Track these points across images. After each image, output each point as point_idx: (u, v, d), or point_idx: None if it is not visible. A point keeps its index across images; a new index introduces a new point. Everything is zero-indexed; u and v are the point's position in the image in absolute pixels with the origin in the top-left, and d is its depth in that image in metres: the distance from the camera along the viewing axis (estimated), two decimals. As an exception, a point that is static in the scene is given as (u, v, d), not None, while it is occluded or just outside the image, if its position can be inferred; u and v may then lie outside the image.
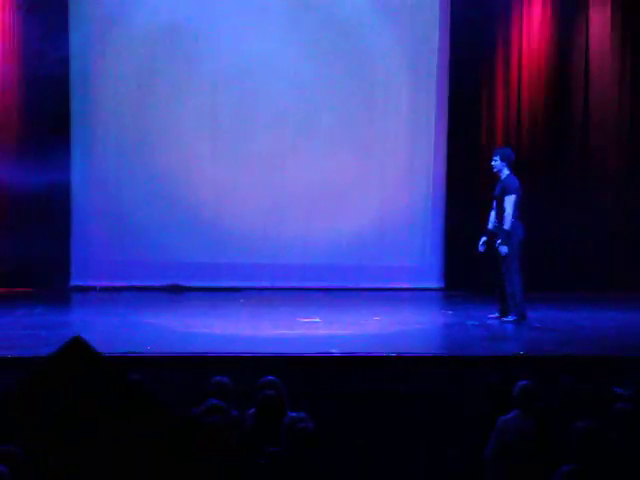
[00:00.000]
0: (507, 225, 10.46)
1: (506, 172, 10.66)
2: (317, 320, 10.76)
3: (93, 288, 12.98)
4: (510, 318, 10.57)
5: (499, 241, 10.50)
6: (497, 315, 10.72)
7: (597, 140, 13.48)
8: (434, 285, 13.45)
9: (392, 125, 13.44)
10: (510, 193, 10.51)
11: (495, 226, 10.61)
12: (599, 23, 13.42)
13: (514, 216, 10.52)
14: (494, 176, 10.85)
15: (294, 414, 5.87)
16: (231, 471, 5.22)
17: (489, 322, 10.68)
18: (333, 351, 8.85)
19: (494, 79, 13.44)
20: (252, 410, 6.34)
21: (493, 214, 10.70)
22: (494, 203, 10.73)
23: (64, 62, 12.78)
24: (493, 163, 10.78)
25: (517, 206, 10.54)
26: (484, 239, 10.72)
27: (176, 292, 12.83)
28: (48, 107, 12.89)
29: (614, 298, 12.72)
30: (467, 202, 13.05)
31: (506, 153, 10.85)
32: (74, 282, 13.07)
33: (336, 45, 13.18)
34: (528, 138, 13.43)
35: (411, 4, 13.35)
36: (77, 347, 5.95)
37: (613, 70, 13.47)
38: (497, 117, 13.45)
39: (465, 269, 13.14)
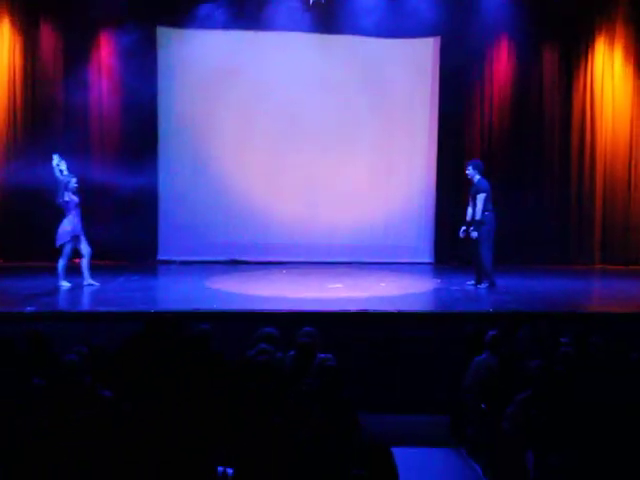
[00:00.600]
0: (478, 216, 10.40)
1: (477, 177, 10.58)
2: (340, 286, 10.77)
3: (174, 262, 13.05)
4: (483, 285, 10.54)
5: (472, 228, 10.47)
6: (473, 283, 10.69)
7: (548, 153, 13.44)
8: (427, 260, 13.45)
9: (397, 143, 13.42)
10: (481, 192, 10.45)
11: (471, 217, 10.57)
12: (550, 66, 13.36)
13: (487, 209, 10.45)
14: (470, 181, 10.78)
15: (322, 355, 5.89)
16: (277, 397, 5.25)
17: (467, 288, 10.65)
18: (351, 308, 8.88)
19: (473, 110, 13.40)
20: (292, 352, 6.36)
21: (469, 209, 10.65)
22: (470, 200, 10.69)
23: (153, 96, 12.84)
24: (467, 172, 10.69)
25: (488, 202, 10.48)
26: (463, 228, 10.66)
27: (235, 265, 12.89)
28: (141, 130, 12.96)
29: (562, 270, 12.68)
30: (451, 199, 13.01)
31: (476, 163, 10.77)
32: (160, 257, 13.17)
33: (357, 88, 13.16)
34: (498, 152, 13.40)
35: (412, 59, 13.28)
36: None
37: (560, 101, 13.40)
38: (475, 137, 13.41)
39: (450, 248, 13.14)
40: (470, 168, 10.65)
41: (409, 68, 13.34)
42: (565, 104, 13.37)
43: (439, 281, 11.53)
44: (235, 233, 13.09)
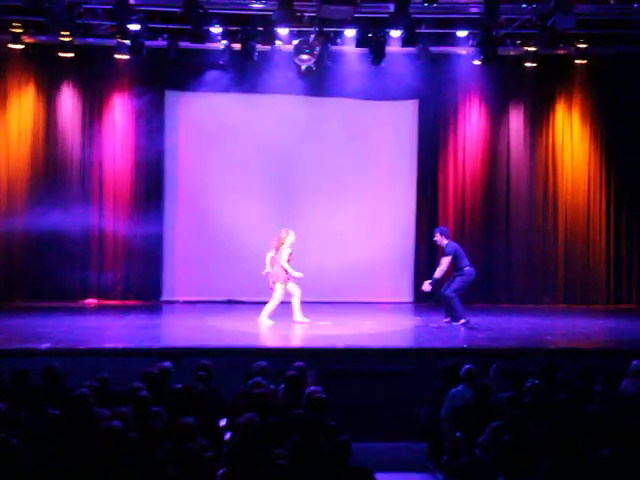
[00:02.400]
0: (438, 275, 10.41)
1: (445, 241, 10.60)
2: (328, 323, 10.72)
3: (177, 302, 13.00)
4: (458, 323, 10.50)
5: (430, 282, 10.41)
6: (449, 320, 10.64)
7: (515, 202, 13.51)
8: (407, 300, 13.41)
9: (380, 195, 13.42)
10: (445, 255, 10.48)
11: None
12: (516, 125, 13.52)
13: (465, 265, 10.42)
14: (440, 246, 10.76)
15: (312, 387, 5.84)
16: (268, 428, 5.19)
17: (444, 325, 10.60)
18: (338, 344, 8.84)
19: (447, 165, 13.49)
20: (282, 385, 6.31)
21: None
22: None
23: (161, 153, 12.90)
24: (435, 239, 10.72)
25: (463, 259, 10.44)
26: (428, 281, 10.54)
27: (233, 304, 12.82)
28: (149, 183, 13.02)
29: (530, 308, 12.68)
30: (428, 244, 12.97)
31: (442, 230, 10.81)
32: (164, 297, 13.10)
33: (344, 145, 13.23)
34: (470, 202, 13.46)
35: (393, 119, 13.42)
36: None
37: (526, 155, 13.54)
38: (449, 190, 13.47)
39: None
40: (437, 234, 10.68)
41: (391, 128, 13.46)
42: (530, 160, 13.51)
43: (418, 319, 11.50)
44: (232, 275, 13.03)
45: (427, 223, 13.28)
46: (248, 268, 12.99)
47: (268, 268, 10.45)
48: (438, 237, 10.64)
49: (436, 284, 10.46)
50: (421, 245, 13.29)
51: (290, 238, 10.51)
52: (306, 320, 10.40)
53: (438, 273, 10.41)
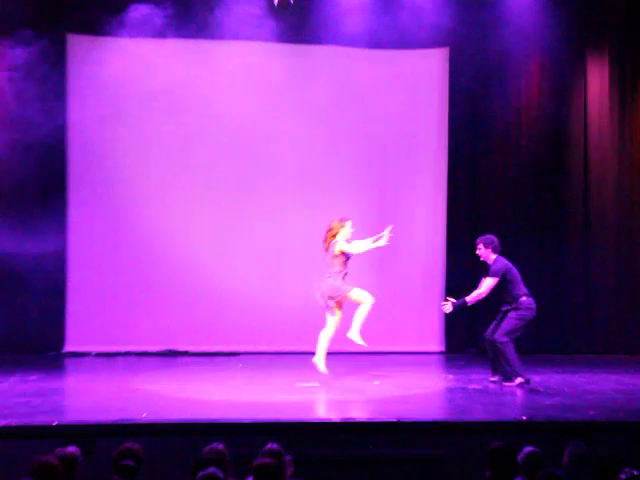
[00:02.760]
0: (470, 299, 10.48)
1: (492, 257, 10.60)
2: (316, 384, 10.66)
3: (88, 354, 12.92)
4: (513, 382, 10.45)
5: (456, 302, 10.49)
6: (498, 378, 10.60)
7: (598, 205, 13.54)
8: (434, 349, 13.45)
9: (392, 191, 13.68)
10: (491, 275, 10.47)
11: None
12: (598, 86, 13.55)
13: (522, 292, 10.44)
14: (484, 263, 10.77)
15: (294, 481, 5.80)
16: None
17: (490, 386, 10.53)
18: (332, 417, 8.78)
19: (493, 145, 13.51)
20: (250, 478, 6.25)
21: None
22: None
23: (61, 129, 12.82)
24: (478, 252, 10.72)
25: (518, 285, 10.45)
26: (453, 301, 10.60)
27: (172, 357, 12.75)
28: (43, 175, 12.98)
29: (620, 361, 12.65)
30: (465, 266, 13.00)
31: (488, 240, 10.78)
32: (69, 348, 13.03)
33: (339, 115, 13.35)
34: (527, 202, 13.47)
35: (411, 77, 13.50)
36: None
37: (614, 132, 13.58)
38: (495, 183, 13.53)
39: (466, 333, 13.15)
40: (481, 247, 10.67)
41: (409, 89, 13.53)
42: (620, 139, 13.55)
43: (452, 377, 11.47)
44: (172, 314, 12.99)
45: (463, 234, 13.30)
46: (196, 302, 13.00)
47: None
48: (482, 250, 10.64)
49: (461, 309, 10.47)
50: (455, 267, 13.31)
51: (346, 230, 10.77)
52: (324, 371, 10.64)
53: (473, 297, 10.45)
